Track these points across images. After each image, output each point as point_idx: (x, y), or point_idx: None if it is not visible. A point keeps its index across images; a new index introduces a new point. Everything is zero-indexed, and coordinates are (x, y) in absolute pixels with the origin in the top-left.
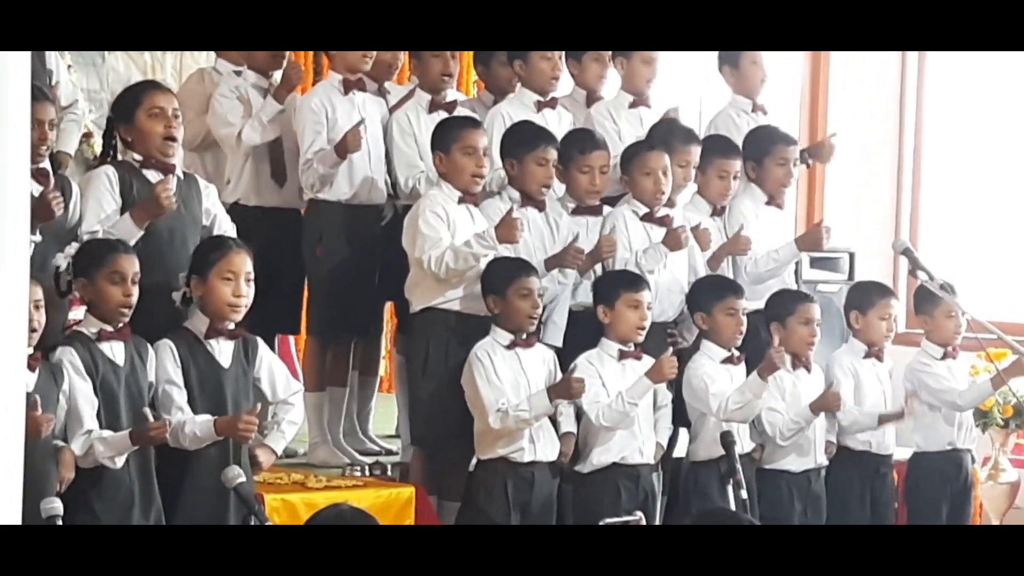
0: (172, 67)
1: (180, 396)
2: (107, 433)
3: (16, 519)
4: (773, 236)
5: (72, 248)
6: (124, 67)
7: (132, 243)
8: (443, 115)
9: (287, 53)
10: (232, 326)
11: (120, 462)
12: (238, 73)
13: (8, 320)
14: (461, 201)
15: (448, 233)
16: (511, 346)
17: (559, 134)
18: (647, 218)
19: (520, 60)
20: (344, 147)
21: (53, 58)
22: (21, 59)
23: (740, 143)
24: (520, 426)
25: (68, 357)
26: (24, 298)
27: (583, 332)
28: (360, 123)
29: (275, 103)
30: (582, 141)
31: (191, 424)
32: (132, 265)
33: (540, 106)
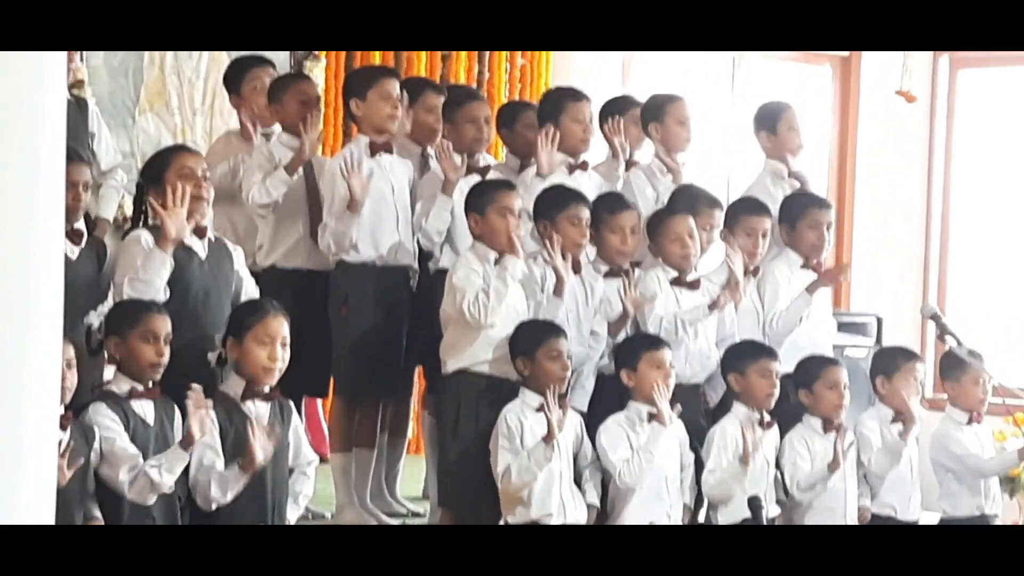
0: (203, 129)
1: (219, 461)
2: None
3: None
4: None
5: (105, 307)
6: (155, 129)
7: (164, 283)
8: (476, 178)
9: (320, 117)
10: (267, 388)
11: (170, 481)
12: (267, 136)
13: (41, 379)
14: (497, 261)
15: (481, 281)
16: (540, 408)
17: (591, 197)
18: (677, 282)
19: (551, 122)
20: (353, 199)
21: (95, 120)
22: (57, 119)
23: (776, 209)
24: (525, 478)
25: (100, 413)
26: (57, 357)
27: (609, 396)
28: (369, 173)
29: (284, 175)
30: (611, 202)
31: (221, 478)
32: (165, 325)
33: (572, 168)
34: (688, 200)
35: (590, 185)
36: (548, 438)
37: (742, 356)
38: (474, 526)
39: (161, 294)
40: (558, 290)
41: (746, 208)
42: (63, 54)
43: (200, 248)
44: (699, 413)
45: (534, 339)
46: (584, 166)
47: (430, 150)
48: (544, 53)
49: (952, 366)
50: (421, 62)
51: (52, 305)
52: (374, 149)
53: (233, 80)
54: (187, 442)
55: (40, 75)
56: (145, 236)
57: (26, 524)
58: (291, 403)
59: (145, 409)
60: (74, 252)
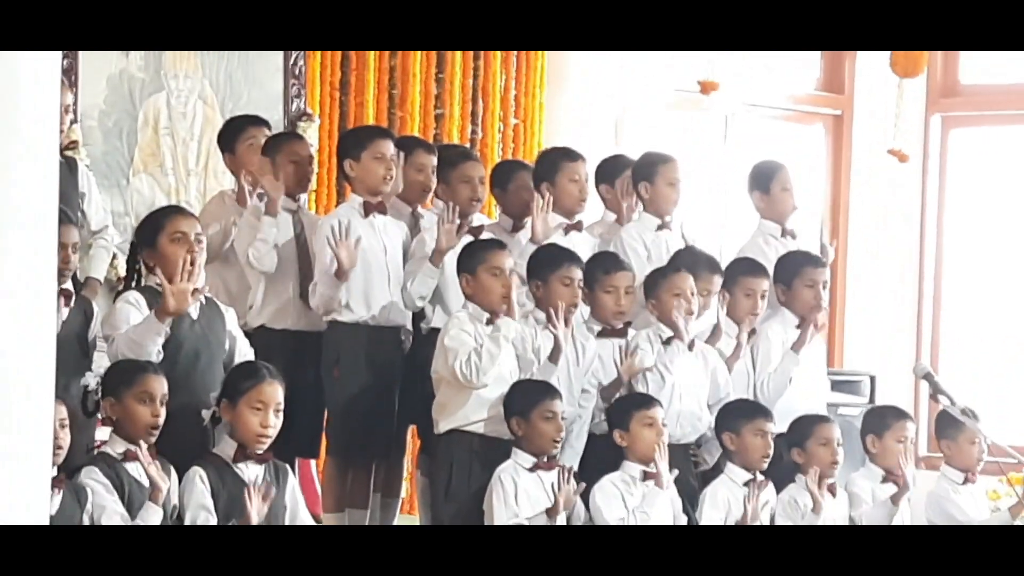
0: (197, 189)
1: (212, 521)
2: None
3: None
4: (804, 360)
5: (101, 368)
6: (149, 189)
7: (158, 348)
8: (468, 238)
9: (313, 177)
10: (259, 451)
11: None
12: (260, 196)
13: (33, 440)
14: (489, 322)
15: (473, 341)
16: (533, 468)
17: (585, 257)
18: (671, 342)
19: (546, 182)
20: (340, 268)
21: (85, 180)
22: (50, 181)
23: (759, 262)
24: None
25: (92, 477)
26: (49, 418)
27: (601, 456)
28: (357, 241)
29: (270, 218)
30: (606, 262)
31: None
32: (161, 385)
33: (567, 228)
34: (690, 262)
35: (585, 245)
36: (552, 512)
37: (737, 416)
38: (474, 526)
39: (154, 357)
40: (554, 356)
41: (744, 269)
42: (56, 114)
43: (192, 309)
44: (690, 474)
45: (529, 400)
46: (579, 226)
47: (420, 210)
48: (537, 113)
49: (948, 425)
50: (414, 121)
51: (44, 366)
52: (368, 209)
53: (228, 139)
54: (155, 496)
55: (34, 137)
56: (138, 297)
57: None
58: (287, 466)
59: (140, 471)
60: (63, 312)
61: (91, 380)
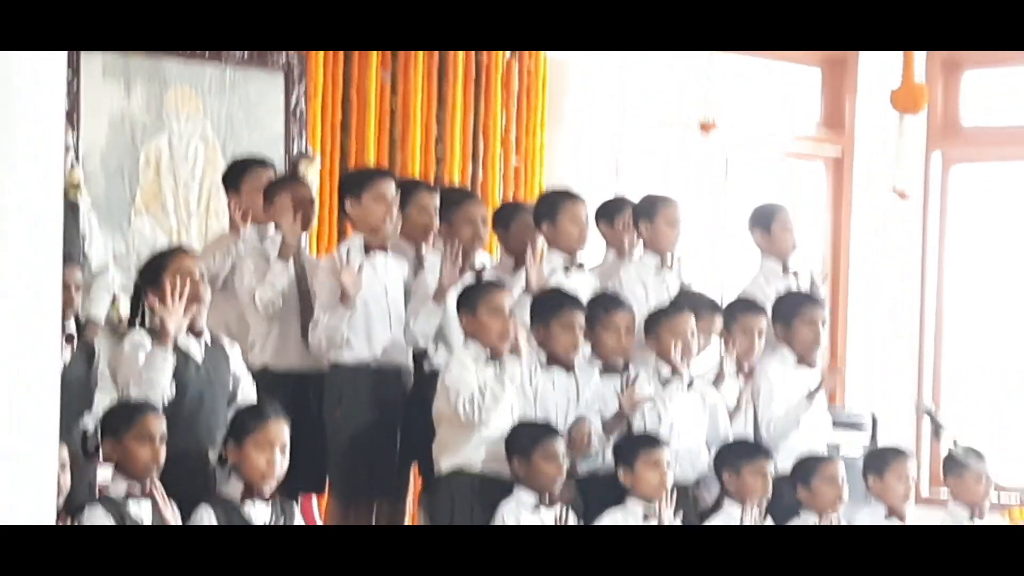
0: (198, 230)
1: None
2: None
3: None
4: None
5: (100, 410)
6: (150, 230)
7: (169, 378)
8: (472, 278)
9: (314, 217)
10: (266, 492)
11: None
12: (262, 236)
13: (37, 482)
14: (489, 360)
15: (474, 379)
16: (536, 507)
17: (586, 296)
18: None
19: (547, 222)
20: (345, 293)
21: (86, 220)
22: (54, 223)
23: (756, 302)
24: None
25: (95, 519)
26: (53, 460)
27: (604, 494)
28: (359, 267)
29: (281, 262)
30: (606, 302)
31: None
32: (160, 425)
33: (568, 269)
34: (690, 303)
35: (586, 285)
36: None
37: (737, 455)
38: (473, 526)
39: (168, 391)
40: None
41: (743, 308)
42: (59, 155)
43: (197, 351)
44: (690, 513)
45: (530, 440)
46: (580, 267)
47: (424, 250)
48: (538, 153)
49: (953, 467)
50: (416, 163)
51: (48, 407)
52: (368, 248)
53: (233, 179)
54: None
55: (36, 178)
56: (144, 338)
57: None
58: (292, 504)
59: (143, 510)
60: (65, 354)
61: (89, 423)
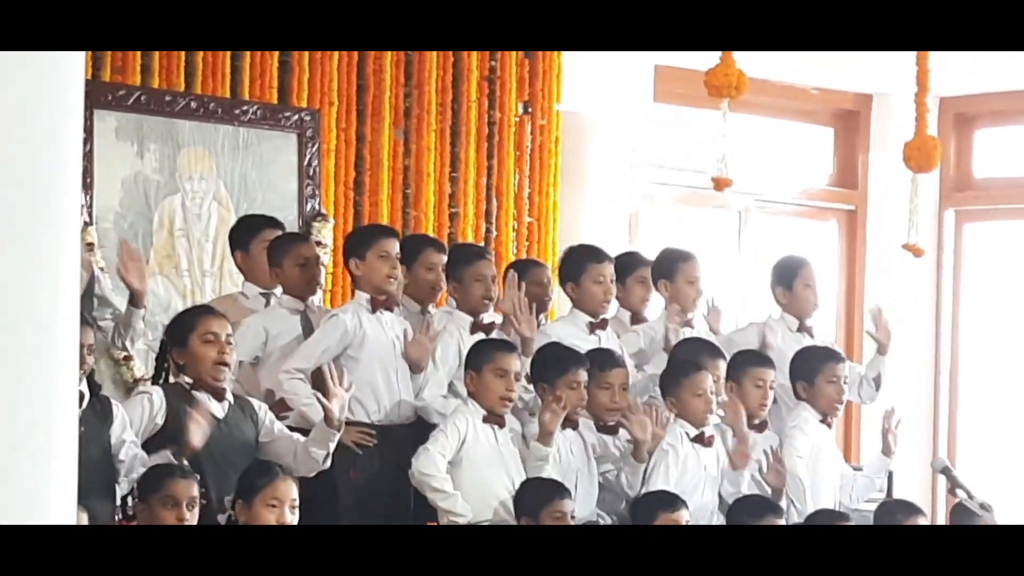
0: (212, 290)
1: None
2: None
3: None
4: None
5: (136, 473)
6: (164, 291)
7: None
8: (481, 336)
9: (323, 277)
10: None
11: None
12: (266, 296)
13: None
14: (486, 420)
15: (451, 447)
16: None
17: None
18: (697, 439)
19: (571, 283)
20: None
21: (100, 283)
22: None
23: (765, 355)
24: None
25: None
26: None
27: None
28: (350, 386)
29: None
30: (602, 359)
31: None
32: (188, 490)
33: (592, 327)
34: (692, 353)
35: (610, 344)
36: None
37: (748, 514)
38: (474, 526)
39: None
40: (544, 439)
41: (752, 360)
42: (77, 215)
43: (217, 409)
44: None
45: (538, 499)
46: (604, 324)
47: (431, 308)
48: (552, 211)
49: (962, 518)
50: (429, 221)
51: (67, 474)
52: (375, 306)
53: (242, 238)
54: None
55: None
56: (157, 392)
57: None
58: None
59: None
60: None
61: (125, 486)
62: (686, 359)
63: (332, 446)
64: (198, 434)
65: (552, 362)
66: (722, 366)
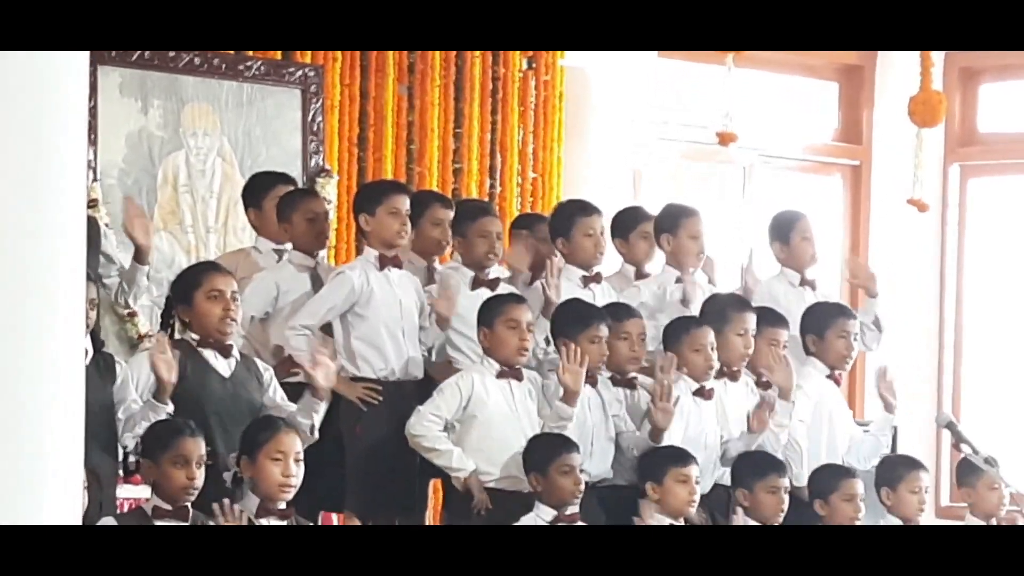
0: (216, 246)
1: None
2: None
3: None
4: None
5: (140, 428)
6: (168, 247)
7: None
8: (485, 292)
9: (330, 232)
10: (283, 506)
11: None
12: (279, 252)
13: (60, 502)
14: (502, 375)
15: (450, 407)
16: (555, 521)
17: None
18: (697, 393)
19: (562, 237)
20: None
21: (106, 240)
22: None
23: (781, 313)
24: None
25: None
26: (79, 477)
27: (625, 507)
28: (334, 356)
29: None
30: (618, 311)
31: None
32: (196, 448)
33: (586, 281)
34: (717, 309)
35: (604, 298)
36: None
37: (750, 472)
38: (474, 526)
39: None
40: (569, 399)
41: (770, 320)
42: (83, 172)
43: (224, 367)
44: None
45: (546, 454)
46: (598, 278)
47: (437, 264)
48: (555, 166)
49: (968, 472)
50: (433, 176)
51: (73, 426)
52: (383, 263)
53: (254, 195)
54: None
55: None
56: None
57: None
58: (310, 523)
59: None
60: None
61: (129, 442)
62: (708, 311)
63: (317, 417)
64: (164, 369)
65: (572, 318)
66: (750, 319)
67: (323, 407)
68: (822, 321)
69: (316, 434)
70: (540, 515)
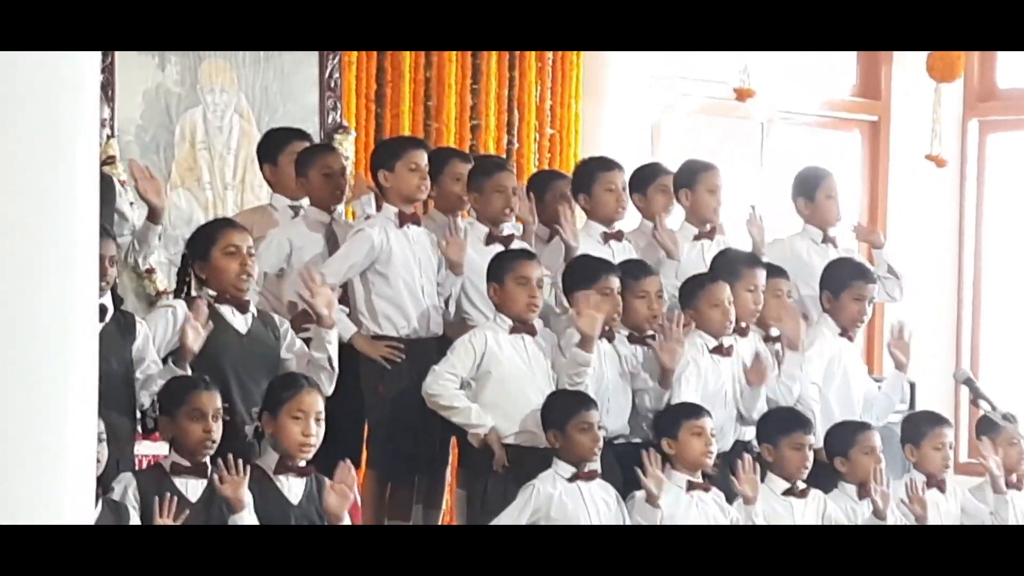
0: (234, 203)
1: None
2: None
3: None
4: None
5: (155, 385)
6: (186, 204)
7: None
8: (499, 247)
9: (346, 189)
10: (303, 464)
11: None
12: (295, 209)
13: (77, 455)
14: (514, 331)
15: (464, 365)
16: (573, 479)
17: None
18: (715, 350)
19: (584, 194)
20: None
21: (122, 197)
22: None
23: (798, 269)
24: None
25: (118, 493)
26: (92, 433)
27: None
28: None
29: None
30: (635, 269)
31: None
32: (212, 401)
33: (607, 237)
34: (728, 265)
35: (625, 255)
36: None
37: (775, 428)
38: (476, 526)
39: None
40: (585, 345)
41: (771, 271)
42: (96, 127)
43: (241, 323)
44: (727, 482)
45: (564, 411)
46: (619, 235)
47: (458, 220)
48: (573, 123)
49: (987, 429)
50: (450, 132)
51: (87, 378)
52: (402, 220)
53: (270, 150)
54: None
55: (74, 151)
56: (181, 306)
57: None
58: (328, 480)
59: (189, 486)
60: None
61: (146, 399)
62: (720, 267)
63: (332, 348)
64: (192, 337)
65: (583, 271)
66: (760, 275)
67: (333, 335)
68: (840, 281)
69: (335, 366)
70: (558, 472)
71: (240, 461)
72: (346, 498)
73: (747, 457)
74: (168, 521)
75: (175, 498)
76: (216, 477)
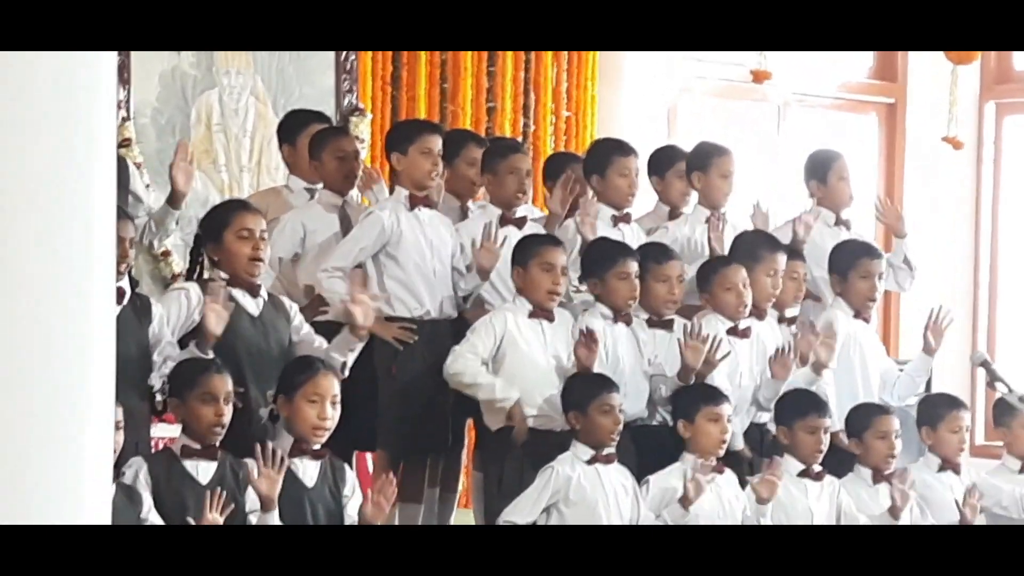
0: (249, 185)
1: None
2: None
3: None
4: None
5: (167, 367)
6: (202, 186)
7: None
8: (512, 230)
9: (360, 173)
10: (317, 447)
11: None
12: (310, 191)
13: (94, 440)
14: (533, 315)
15: (486, 345)
16: (592, 461)
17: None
18: (731, 332)
19: (596, 175)
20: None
21: (137, 179)
22: (108, 176)
23: (812, 251)
24: None
25: (130, 476)
26: (109, 419)
27: (658, 447)
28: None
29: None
30: (656, 252)
31: None
32: (224, 384)
33: (616, 220)
34: (748, 248)
35: (634, 238)
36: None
37: (790, 410)
38: (477, 526)
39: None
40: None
41: (789, 254)
42: (113, 110)
43: (252, 306)
44: (739, 465)
45: (586, 393)
46: (627, 218)
47: (471, 204)
48: (589, 105)
49: (1004, 412)
50: (466, 115)
51: (104, 364)
52: (414, 203)
53: (290, 132)
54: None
55: (92, 134)
56: (195, 288)
57: None
58: (344, 464)
59: (200, 469)
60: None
61: (156, 381)
62: (740, 249)
63: (352, 356)
64: (215, 321)
65: (601, 255)
66: (780, 260)
67: (359, 347)
68: (846, 261)
69: (347, 372)
70: (577, 454)
71: (280, 455)
72: (382, 511)
73: (777, 460)
74: (216, 516)
75: (224, 492)
76: (252, 467)
